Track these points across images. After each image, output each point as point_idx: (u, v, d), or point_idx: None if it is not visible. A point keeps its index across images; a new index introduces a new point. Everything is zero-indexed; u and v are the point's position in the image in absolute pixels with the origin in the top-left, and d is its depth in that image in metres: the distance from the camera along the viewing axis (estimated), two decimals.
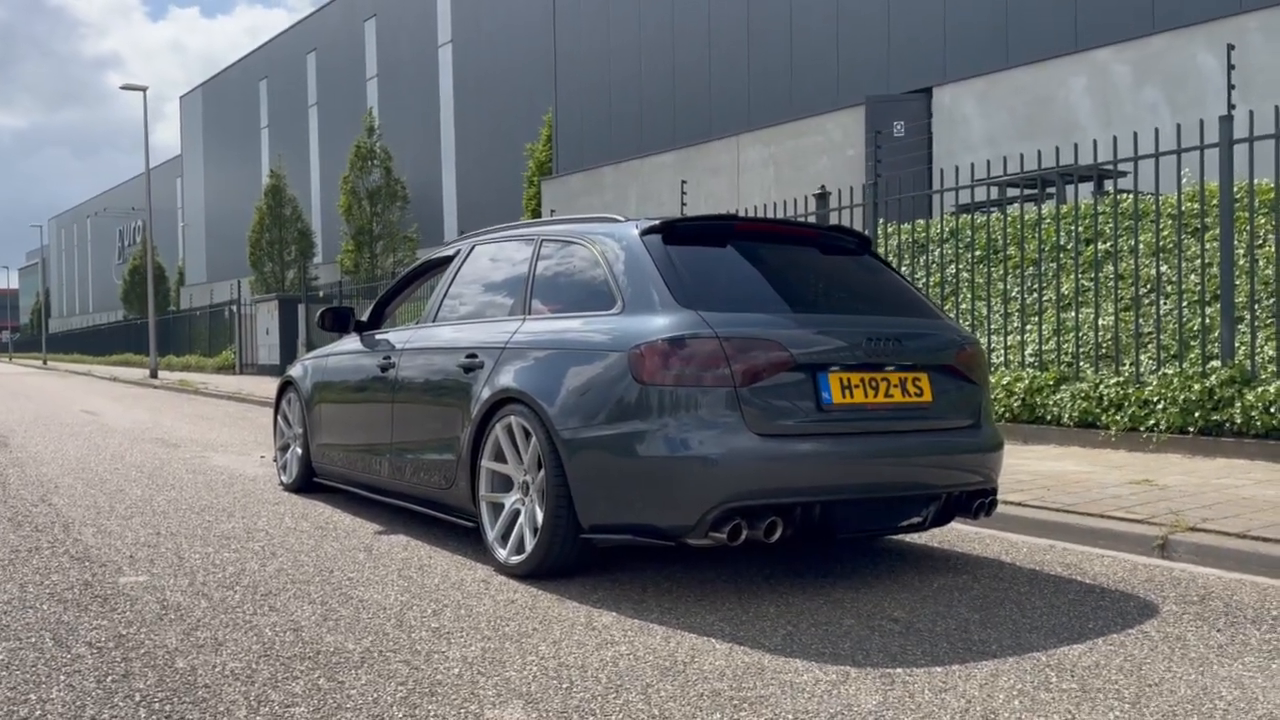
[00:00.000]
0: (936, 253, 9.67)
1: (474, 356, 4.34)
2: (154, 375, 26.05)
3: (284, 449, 6.43)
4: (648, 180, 19.65)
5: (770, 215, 10.19)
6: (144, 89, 26.80)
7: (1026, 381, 7.87)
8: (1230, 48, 7.11)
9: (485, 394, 4.14)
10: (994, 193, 10.39)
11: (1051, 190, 9.52)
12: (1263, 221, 7.66)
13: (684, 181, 13.72)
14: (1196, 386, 6.79)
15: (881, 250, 9.73)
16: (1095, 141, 8.09)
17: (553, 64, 23.61)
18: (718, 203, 17.39)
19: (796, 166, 16.48)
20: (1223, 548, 4.14)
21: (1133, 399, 7.15)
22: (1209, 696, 2.64)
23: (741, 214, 10.80)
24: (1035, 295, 8.63)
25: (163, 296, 50.52)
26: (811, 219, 9.76)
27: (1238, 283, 7.20)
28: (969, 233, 9.25)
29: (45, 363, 49.26)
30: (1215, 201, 7.49)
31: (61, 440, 9.70)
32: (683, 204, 12.53)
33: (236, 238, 40.94)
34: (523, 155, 25.86)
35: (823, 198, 9.90)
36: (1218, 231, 7.27)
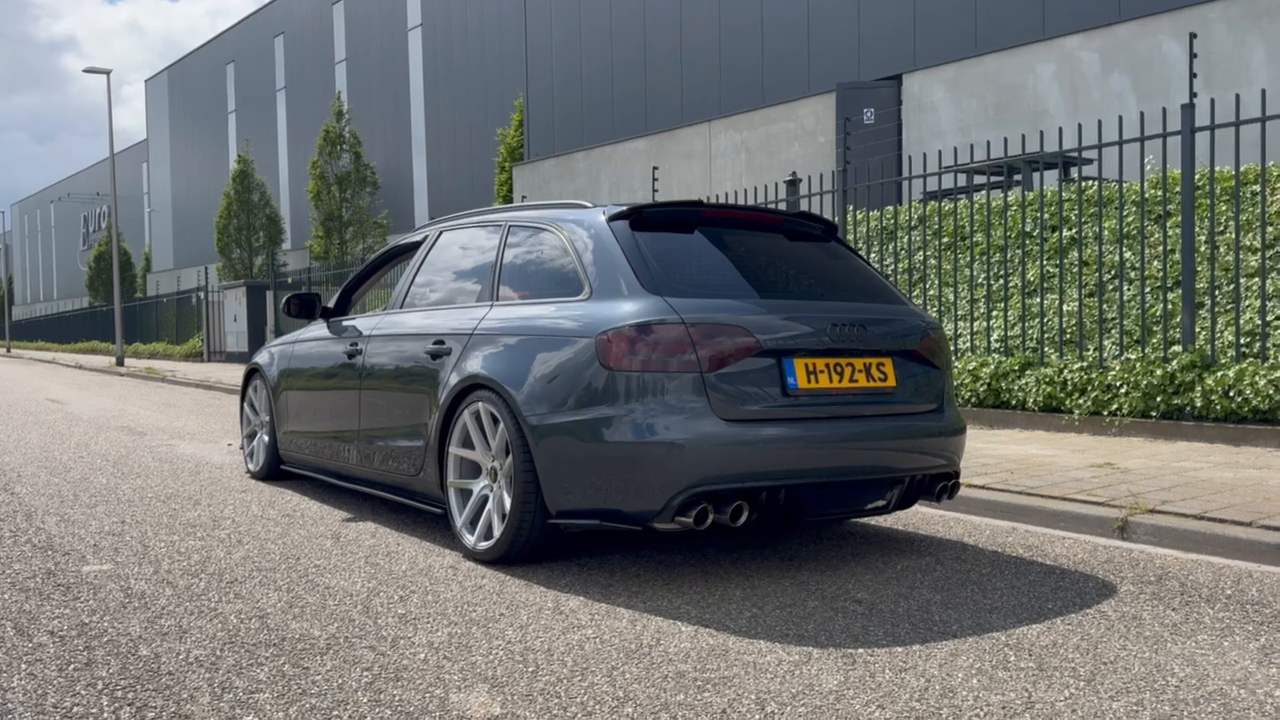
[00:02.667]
0: (905, 239, 9.74)
1: (441, 343, 4.33)
2: (120, 363, 25.74)
3: (250, 436, 6.39)
4: (620, 166, 19.61)
5: (741, 202, 10.22)
6: (107, 72, 26.38)
7: (992, 367, 7.96)
8: (1193, 36, 7.19)
9: (453, 380, 4.14)
10: (962, 179, 10.48)
11: (1018, 177, 9.61)
12: (1224, 208, 7.78)
13: (655, 168, 13.72)
14: (1158, 371, 6.90)
15: (851, 237, 9.79)
16: (1061, 129, 8.17)
17: (524, 49, 23.48)
18: (690, 189, 17.40)
19: (768, 153, 16.52)
20: (1181, 529, 4.22)
21: (1096, 384, 7.25)
22: (1161, 673, 2.70)
23: (711, 200, 10.83)
24: (1002, 281, 8.71)
25: (129, 283, 49.88)
26: (782, 205, 9.80)
27: (1199, 269, 7.31)
28: (937, 219, 9.32)
29: (9, 350, 48.51)
30: (1178, 188, 7.59)
31: (25, 429, 9.57)
32: (654, 190, 12.53)
33: (204, 224, 40.47)
34: (494, 141, 25.72)
35: (793, 184, 9.93)
36: (1180, 218, 7.38)
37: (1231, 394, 6.49)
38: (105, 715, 2.43)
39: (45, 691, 2.58)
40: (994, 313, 8.66)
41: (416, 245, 5.21)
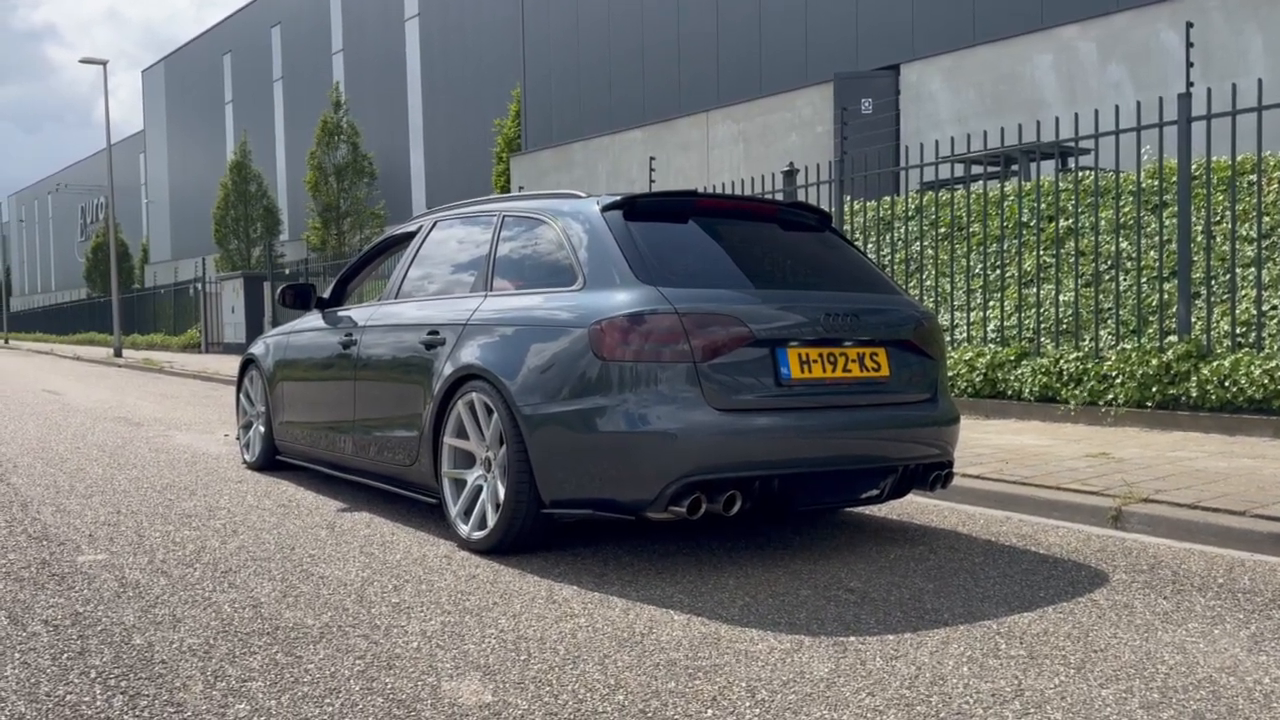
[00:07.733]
0: (902, 230, 9.73)
1: (435, 333, 4.33)
2: (118, 354, 25.72)
3: (246, 427, 6.39)
4: (618, 157, 19.57)
5: (738, 192, 10.20)
6: (104, 63, 26.33)
7: (988, 357, 7.96)
8: (1189, 25, 7.18)
9: (447, 370, 4.14)
10: (959, 170, 10.47)
11: (1016, 167, 9.60)
12: (1220, 198, 7.77)
13: (653, 158, 13.68)
14: (1154, 361, 6.90)
15: (848, 227, 9.78)
16: (1057, 119, 8.16)
17: (521, 39, 23.41)
18: (687, 179, 17.37)
19: (766, 143, 16.49)
20: (1174, 518, 4.23)
21: (1092, 374, 7.25)
22: (1152, 661, 2.71)
23: (708, 190, 10.83)
24: (998, 272, 8.71)
25: (127, 274, 49.76)
26: (779, 196, 9.78)
27: (1195, 259, 7.31)
28: (934, 210, 9.31)
29: (6, 342, 48.46)
30: (1174, 178, 7.58)
31: (21, 420, 9.57)
32: (651, 180, 12.50)
33: (201, 215, 40.38)
34: (492, 131, 25.66)
35: (790, 175, 9.92)
36: (1176, 208, 7.37)
37: (1227, 384, 6.50)
38: (98, 704, 2.44)
39: (39, 680, 2.59)
40: (990, 303, 8.66)
41: (411, 235, 5.21)
